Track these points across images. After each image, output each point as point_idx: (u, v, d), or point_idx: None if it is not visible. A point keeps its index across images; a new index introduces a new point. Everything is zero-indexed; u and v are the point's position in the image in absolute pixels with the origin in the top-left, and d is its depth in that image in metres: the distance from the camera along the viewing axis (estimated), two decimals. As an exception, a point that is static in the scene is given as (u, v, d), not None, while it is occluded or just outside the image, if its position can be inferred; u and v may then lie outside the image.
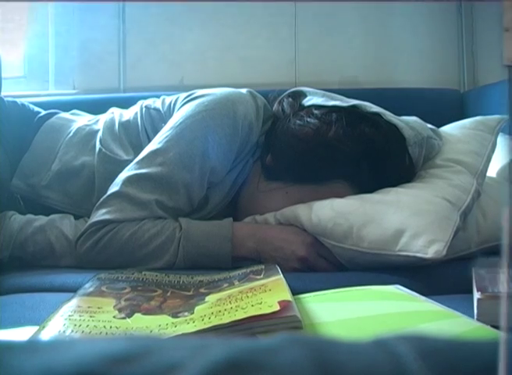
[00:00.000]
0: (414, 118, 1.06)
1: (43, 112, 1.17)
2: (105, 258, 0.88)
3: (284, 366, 0.17)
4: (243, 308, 0.54)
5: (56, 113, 1.17)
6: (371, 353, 0.18)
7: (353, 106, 1.00)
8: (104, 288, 0.68)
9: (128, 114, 1.11)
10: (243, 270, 0.78)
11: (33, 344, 0.20)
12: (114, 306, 0.61)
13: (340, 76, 1.83)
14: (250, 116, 0.98)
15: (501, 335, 0.17)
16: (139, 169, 0.92)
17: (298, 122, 0.97)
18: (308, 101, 1.04)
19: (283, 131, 0.99)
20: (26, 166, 1.07)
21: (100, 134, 1.07)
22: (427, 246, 0.80)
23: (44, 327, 0.51)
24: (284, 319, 0.50)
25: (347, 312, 0.57)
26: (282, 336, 0.19)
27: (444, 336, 0.19)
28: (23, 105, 1.18)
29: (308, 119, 0.97)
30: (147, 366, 0.17)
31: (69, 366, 0.17)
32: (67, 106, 1.29)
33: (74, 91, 1.81)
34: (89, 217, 0.92)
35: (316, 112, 0.98)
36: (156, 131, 1.01)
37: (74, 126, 1.11)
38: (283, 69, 1.83)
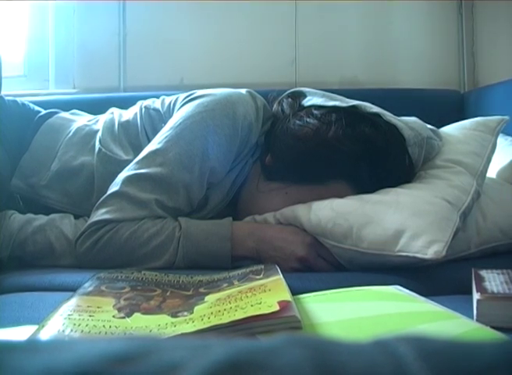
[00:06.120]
0: (413, 118, 1.06)
1: (43, 112, 1.17)
2: (105, 257, 0.88)
3: (284, 366, 0.17)
4: (242, 308, 0.54)
5: (56, 113, 1.17)
6: (372, 354, 0.18)
7: (353, 106, 1.00)
8: (103, 288, 0.68)
9: (127, 114, 1.11)
10: (243, 270, 0.78)
11: (32, 344, 0.20)
12: (113, 306, 0.61)
13: (340, 76, 1.83)
14: (249, 117, 0.98)
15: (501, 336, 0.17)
16: (139, 169, 0.92)
17: (298, 122, 0.97)
18: (308, 101, 1.04)
19: (283, 131, 0.99)
20: (25, 165, 1.07)
21: (99, 134, 1.07)
22: (426, 246, 0.80)
23: (43, 326, 0.51)
24: (284, 320, 0.50)
25: (347, 313, 0.57)
26: (282, 336, 0.19)
27: (444, 336, 0.19)
28: (23, 104, 1.18)
29: (308, 120, 0.97)
30: (147, 366, 0.17)
31: (69, 366, 0.17)
32: (67, 105, 1.29)
33: (74, 91, 1.81)
34: (89, 217, 0.92)
35: (316, 112, 0.98)
36: (156, 131, 1.01)
37: (74, 126, 1.12)
38: (283, 70, 1.83)
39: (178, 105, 1.03)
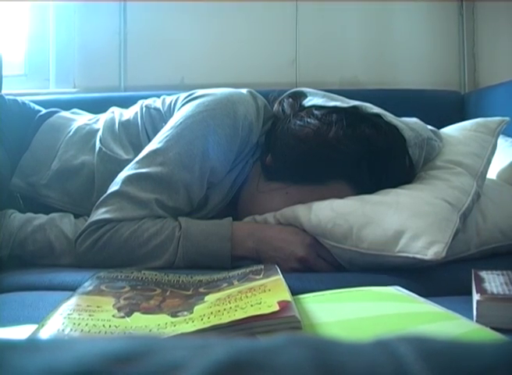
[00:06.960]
0: (414, 119, 1.06)
1: (43, 111, 1.17)
2: (105, 257, 0.88)
3: (285, 366, 0.17)
4: (242, 308, 0.54)
5: (57, 112, 1.17)
6: (372, 354, 0.18)
7: (354, 107, 1.00)
8: (103, 287, 0.68)
9: (128, 113, 1.11)
10: (243, 270, 0.78)
11: (33, 343, 0.20)
12: (113, 305, 0.61)
13: (341, 76, 1.83)
14: (250, 117, 0.98)
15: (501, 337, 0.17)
16: (139, 168, 0.92)
17: (298, 122, 0.97)
18: (309, 101, 1.04)
19: (283, 132, 0.99)
20: (25, 164, 1.07)
21: (100, 134, 1.07)
22: (426, 247, 0.80)
23: (43, 326, 0.51)
24: (283, 320, 0.50)
25: (346, 313, 0.57)
26: (282, 336, 0.19)
27: (445, 337, 0.19)
28: (23, 103, 1.18)
29: (308, 120, 0.97)
30: (148, 365, 0.17)
31: (70, 365, 0.17)
32: (68, 105, 1.29)
33: (75, 90, 1.81)
34: (89, 216, 0.92)
35: (316, 112, 0.98)
36: (156, 131, 1.01)
37: (74, 125, 1.12)
38: (284, 70, 1.83)
39: (178, 104, 1.03)
